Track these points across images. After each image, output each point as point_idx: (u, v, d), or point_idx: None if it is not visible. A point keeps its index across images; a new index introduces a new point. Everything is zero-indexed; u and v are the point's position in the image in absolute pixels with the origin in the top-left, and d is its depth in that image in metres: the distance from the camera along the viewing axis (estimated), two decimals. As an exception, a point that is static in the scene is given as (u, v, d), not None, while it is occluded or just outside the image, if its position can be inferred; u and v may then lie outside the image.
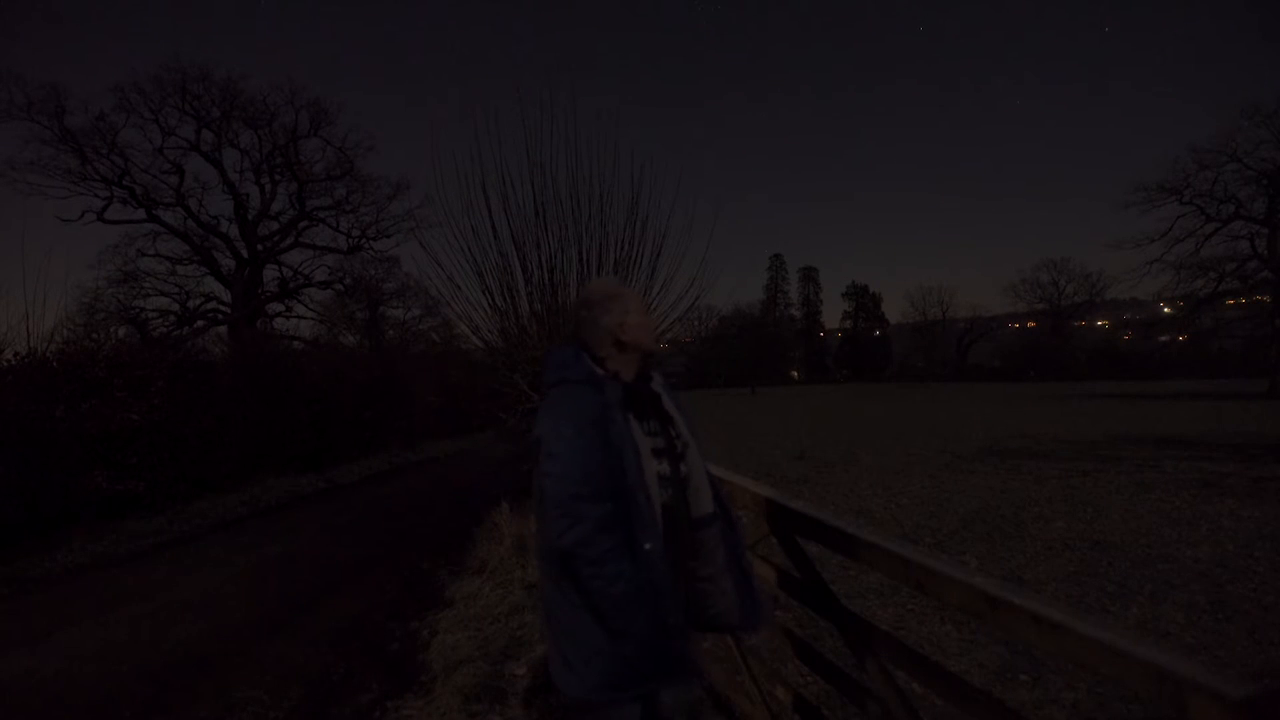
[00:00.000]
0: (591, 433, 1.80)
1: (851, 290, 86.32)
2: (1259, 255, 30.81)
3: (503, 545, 6.06)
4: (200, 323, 23.75)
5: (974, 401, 30.29)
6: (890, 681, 2.06)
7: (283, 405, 13.02)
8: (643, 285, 7.13)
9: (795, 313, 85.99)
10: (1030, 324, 70.45)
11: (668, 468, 1.92)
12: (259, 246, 24.55)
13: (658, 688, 1.85)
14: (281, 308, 25.79)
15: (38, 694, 3.98)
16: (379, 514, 9.21)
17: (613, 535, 1.75)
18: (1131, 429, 15.72)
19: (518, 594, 5.02)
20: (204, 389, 10.99)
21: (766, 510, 2.56)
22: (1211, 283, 32.38)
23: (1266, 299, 31.70)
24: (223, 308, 24.29)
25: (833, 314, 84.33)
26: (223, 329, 23.16)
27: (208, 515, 9.36)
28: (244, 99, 23.56)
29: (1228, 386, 32.72)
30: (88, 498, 8.48)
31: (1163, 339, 53.90)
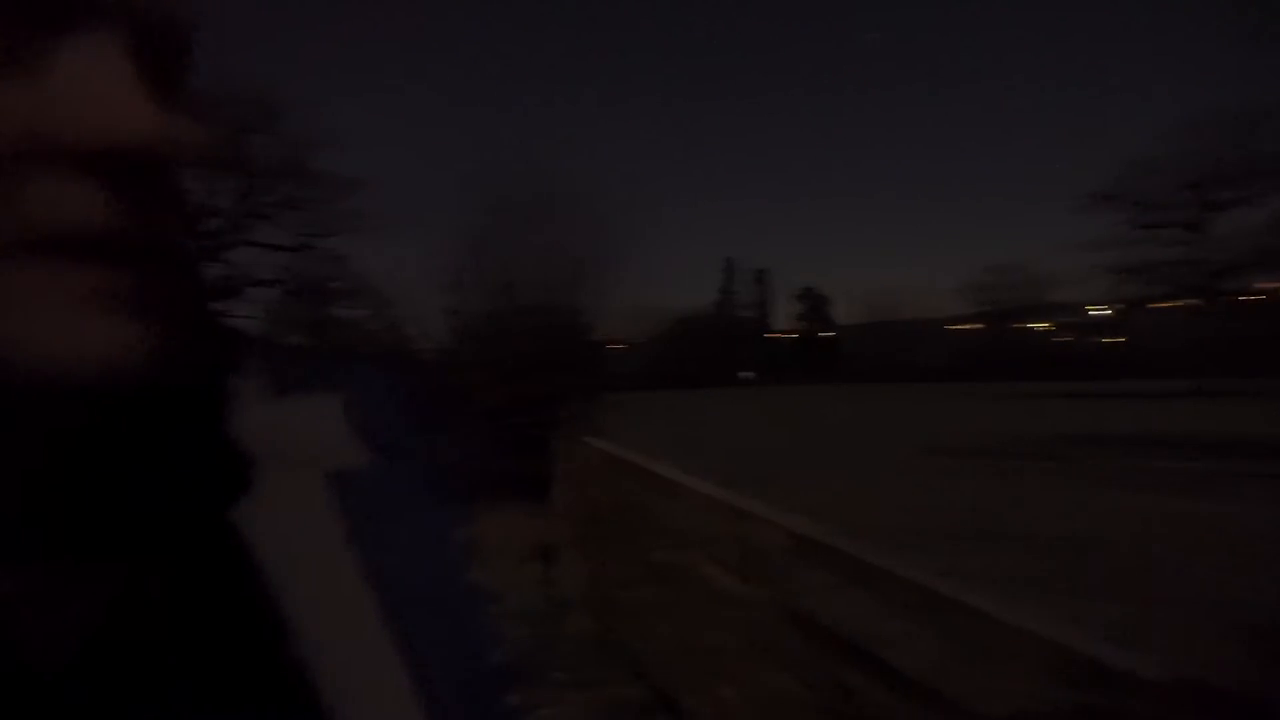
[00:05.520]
0: None
1: (803, 292, 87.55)
2: (1190, 261, 32.34)
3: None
4: (138, 322, 22.92)
5: (924, 402, 30.98)
6: (833, 675, 2.09)
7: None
8: (595, 285, 7.14)
9: (747, 314, 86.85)
10: (979, 325, 72.30)
11: None
12: (200, 243, 23.84)
13: None
14: (225, 307, 25.07)
15: None
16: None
17: None
18: (1077, 428, 16.25)
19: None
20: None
21: (719, 510, 2.58)
22: (1147, 286, 33.94)
23: (1197, 302, 33.36)
24: (162, 307, 23.48)
25: (785, 315, 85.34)
26: (162, 329, 22.41)
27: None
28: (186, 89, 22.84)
29: (1163, 386, 34.16)
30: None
31: (1104, 340, 56.00)
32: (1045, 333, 68.71)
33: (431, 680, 0.38)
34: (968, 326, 73.10)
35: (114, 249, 0.25)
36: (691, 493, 2.68)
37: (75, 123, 0.24)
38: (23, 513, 0.26)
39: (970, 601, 1.56)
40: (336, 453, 0.39)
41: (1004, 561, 5.55)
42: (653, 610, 3.26)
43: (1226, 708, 1.04)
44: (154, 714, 0.29)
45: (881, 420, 20.84)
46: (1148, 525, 6.54)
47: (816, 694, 2.16)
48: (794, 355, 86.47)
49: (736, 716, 2.67)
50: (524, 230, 8.02)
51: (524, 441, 6.84)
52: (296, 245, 25.32)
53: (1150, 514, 6.97)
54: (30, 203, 0.24)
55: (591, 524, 4.40)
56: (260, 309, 26.16)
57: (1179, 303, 35.19)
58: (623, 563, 3.80)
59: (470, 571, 0.55)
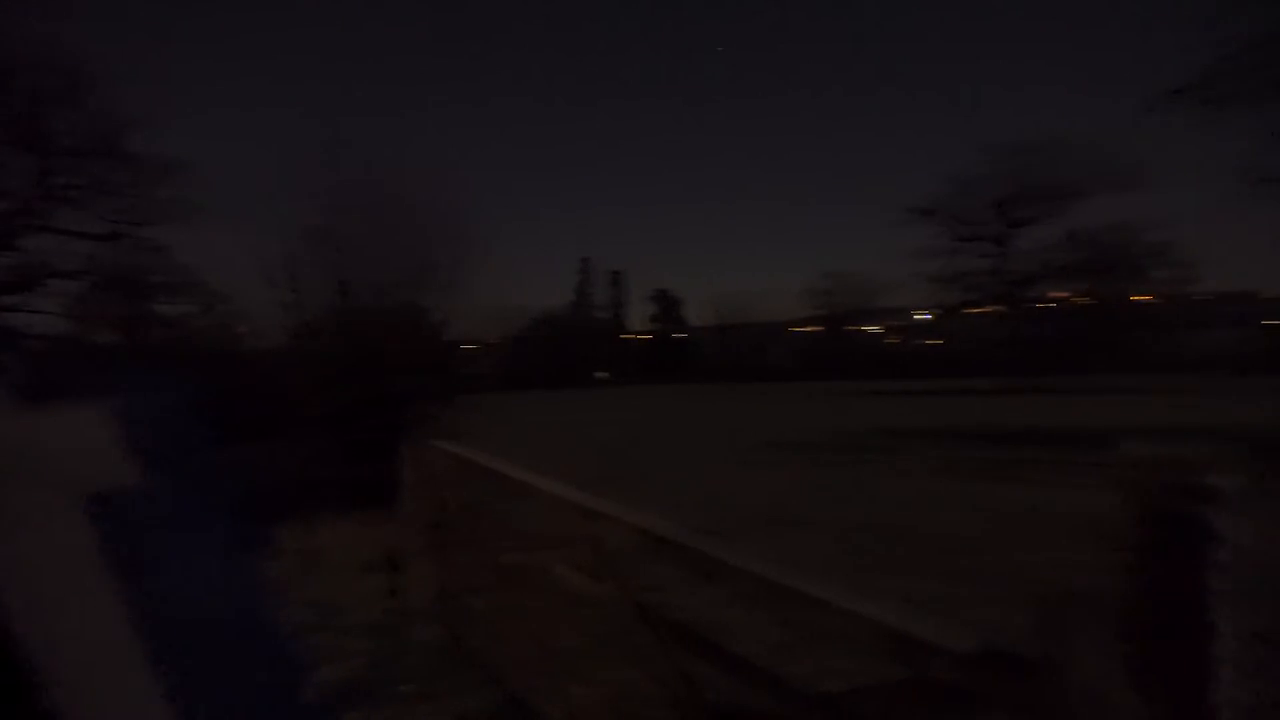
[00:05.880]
0: None
1: (657, 294, 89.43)
2: (996, 271, 36.40)
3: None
4: (-97, 317, 19.77)
5: (768, 400, 32.50)
6: (681, 667, 2.13)
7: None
8: (447, 284, 6.95)
9: (603, 315, 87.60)
10: (817, 328, 76.73)
11: None
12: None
13: None
14: (18, 300, 22.08)
15: None
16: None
17: None
18: (899, 421, 17.63)
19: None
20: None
21: (571, 511, 2.56)
22: (962, 293, 37.85)
23: (1002, 308, 37.61)
24: (-64, 300, 20.39)
25: (640, 316, 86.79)
26: (-65, 325, 19.45)
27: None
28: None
29: (975, 383, 37.81)
30: None
31: (926, 342, 61.34)
32: (876, 334, 73.93)
33: (211, 713, 0.33)
34: (809, 329, 77.29)
35: None
36: (543, 494, 2.66)
37: None
38: None
39: (806, 588, 1.64)
40: (99, 470, 0.33)
41: (839, 547, 5.92)
42: (505, 614, 3.20)
43: (1021, 671, 1.16)
44: None
45: (731, 418, 21.66)
46: (965, 509, 7.20)
47: (665, 687, 2.20)
48: (648, 356, 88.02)
49: (588, 715, 2.68)
50: (370, 225, 7.66)
51: (369, 446, 6.52)
52: (107, 233, 22.76)
53: (965, 498, 7.68)
54: None
55: (441, 530, 4.26)
56: (61, 303, 23.28)
57: (988, 308, 39.35)
58: (474, 568, 3.71)
59: (272, 592, 0.48)
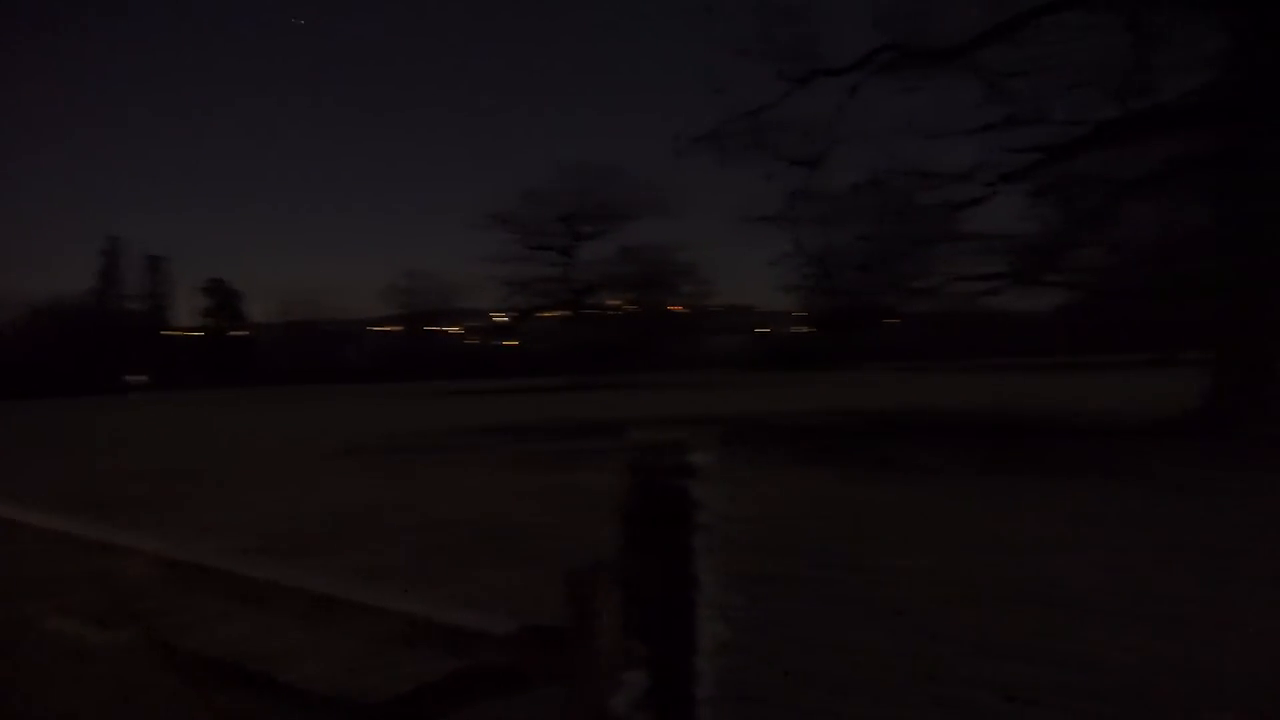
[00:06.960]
0: None
1: (211, 286, 78.43)
2: (563, 279, 40.31)
3: None
4: None
5: (342, 403, 30.85)
6: (222, 711, 1.90)
7: None
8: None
9: (138, 306, 73.99)
10: (396, 328, 75.19)
11: None
12: None
13: None
14: None
15: None
16: None
17: None
18: (477, 420, 18.21)
19: None
20: None
21: (70, 546, 2.09)
22: (533, 298, 41.05)
23: (568, 313, 41.78)
24: None
25: (188, 310, 75.44)
26: None
27: None
28: None
29: (545, 382, 40.95)
30: None
31: (501, 343, 64.51)
32: (457, 335, 75.27)
33: None
34: (388, 329, 75.44)
35: None
36: (28, 529, 2.12)
37: None
38: None
39: (365, 599, 1.59)
40: None
41: (415, 548, 5.86)
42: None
43: (555, 643, 1.28)
44: None
45: (294, 425, 20.02)
46: (531, 498, 7.71)
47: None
48: (200, 356, 76.77)
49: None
50: None
51: None
52: None
53: (532, 488, 8.24)
54: None
55: None
56: None
57: (557, 313, 43.38)
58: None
59: None
